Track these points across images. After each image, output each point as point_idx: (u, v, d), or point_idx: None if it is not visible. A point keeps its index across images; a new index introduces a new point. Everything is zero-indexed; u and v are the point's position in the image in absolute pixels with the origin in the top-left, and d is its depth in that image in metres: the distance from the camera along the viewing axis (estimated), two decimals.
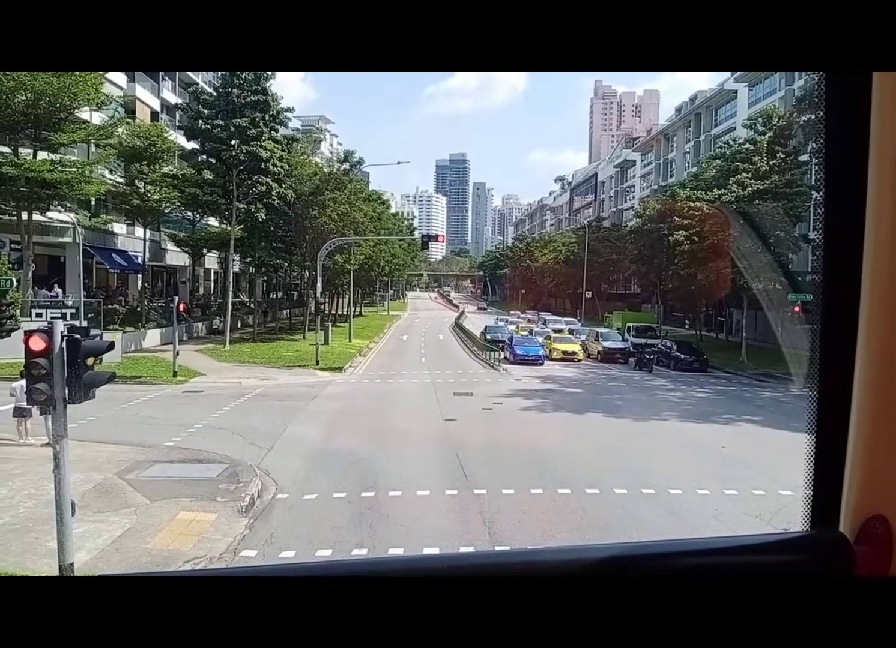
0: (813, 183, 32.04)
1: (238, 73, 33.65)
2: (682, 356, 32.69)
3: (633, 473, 12.51)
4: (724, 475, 12.52)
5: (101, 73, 26.89)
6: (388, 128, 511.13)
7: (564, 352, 35.07)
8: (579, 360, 34.69)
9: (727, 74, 59.39)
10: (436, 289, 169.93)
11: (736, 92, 54.40)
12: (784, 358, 24.03)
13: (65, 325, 9.94)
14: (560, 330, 43.40)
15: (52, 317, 20.32)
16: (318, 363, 28.59)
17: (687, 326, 49.77)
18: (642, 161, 77.12)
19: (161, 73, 42.17)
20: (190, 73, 46.81)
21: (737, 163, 34.99)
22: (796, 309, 26.89)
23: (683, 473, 12.57)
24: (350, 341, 40.30)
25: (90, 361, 9.76)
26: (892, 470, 1.33)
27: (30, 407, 11.53)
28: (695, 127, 62.11)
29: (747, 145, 36.37)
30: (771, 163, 33.71)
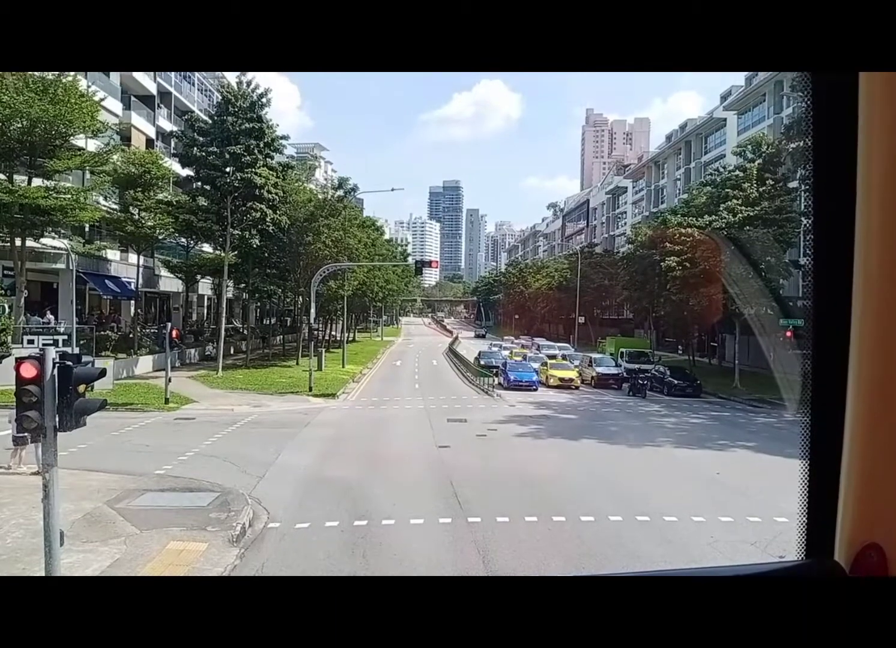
0: (802, 209, 32.41)
1: (233, 100, 34.04)
2: (676, 381, 32.74)
3: (628, 500, 12.44)
4: (720, 501, 12.46)
5: (96, 101, 27.14)
6: (382, 155, 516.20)
7: (561, 379, 34.64)
8: (576, 387, 34.39)
9: (717, 102, 60.40)
10: (430, 315, 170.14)
11: (725, 120, 55.22)
12: (777, 383, 24.09)
13: (56, 352, 9.90)
14: (554, 356, 43.39)
15: (43, 344, 20.24)
16: (311, 389, 28.47)
17: (680, 351, 49.89)
18: (634, 187, 77.90)
19: (157, 102, 42.55)
20: (186, 101, 47.27)
21: (727, 190, 35.42)
22: (788, 334, 27.04)
23: (679, 500, 12.50)
24: (343, 367, 40.19)
25: (81, 388, 9.71)
26: (886, 498, 1.33)
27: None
28: (685, 154, 62.88)
29: (737, 172, 36.87)
30: (760, 189, 34.14)
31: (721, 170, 40.37)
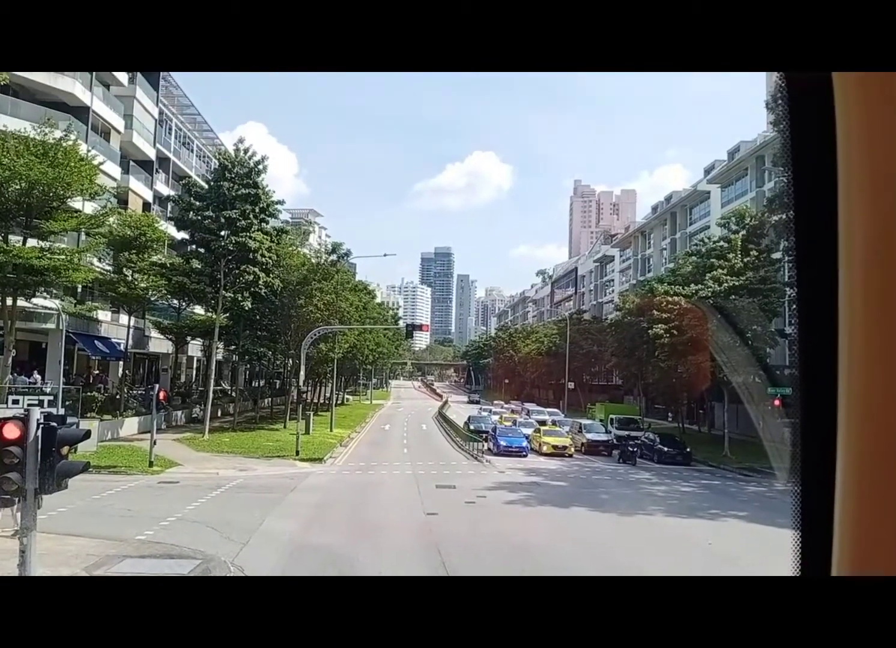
0: (787, 279, 33.02)
1: (230, 166, 34.75)
2: (666, 449, 32.55)
3: (619, 570, 12.19)
4: (711, 571, 12.25)
5: (95, 165, 27.62)
6: (376, 222, 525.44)
7: (555, 447, 33.71)
8: (570, 455, 33.55)
9: (701, 175, 62.19)
10: (419, 378, 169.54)
11: (709, 193, 56.75)
12: (766, 452, 24.00)
13: (41, 413, 9.81)
14: (544, 422, 43.13)
15: (28, 404, 19.97)
16: (298, 453, 28.09)
17: (669, 418, 49.74)
18: (621, 256, 79.22)
19: (156, 167, 43.39)
20: (184, 167, 48.24)
21: (712, 260, 36.10)
22: (776, 402, 27.09)
23: (670, 570, 12.27)
24: (332, 430, 39.75)
25: (65, 450, 9.58)
26: (877, 567, 1.31)
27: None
28: (671, 225, 64.30)
29: (721, 243, 37.65)
30: (745, 260, 34.83)
31: (706, 240, 41.21)
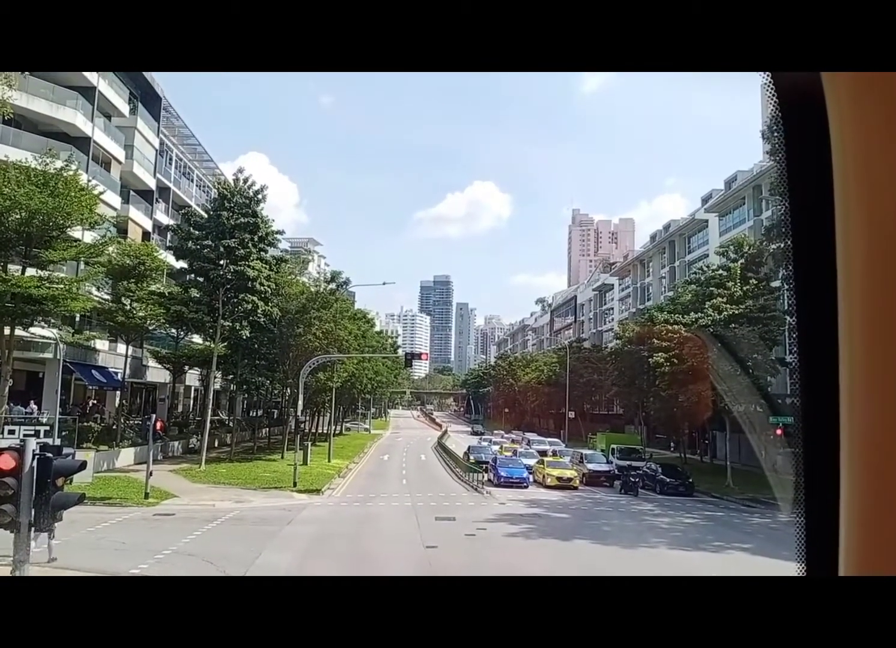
0: (786, 308, 33.04)
1: (229, 196, 34.94)
2: (668, 479, 32.23)
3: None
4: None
5: (95, 194, 27.76)
6: (376, 250, 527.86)
7: (560, 479, 32.50)
8: (575, 487, 32.45)
9: (697, 205, 62.68)
10: (419, 407, 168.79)
11: (707, 221, 57.12)
12: (769, 482, 23.76)
13: (37, 443, 9.67)
14: (545, 452, 42.79)
15: (24, 434, 19.77)
16: (295, 484, 27.77)
17: (671, 448, 49.42)
18: (620, 285, 79.49)
19: (156, 196, 43.68)
20: (184, 196, 48.56)
21: (711, 288, 36.15)
22: (778, 432, 26.91)
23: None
24: (329, 461, 39.41)
25: (60, 482, 9.42)
26: (885, 567, 1.29)
27: None
28: (669, 253, 64.61)
29: (720, 271, 37.76)
30: (744, 288, 34.90)
31: (705, 269, 41.35)
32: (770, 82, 1.37)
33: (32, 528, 8.78)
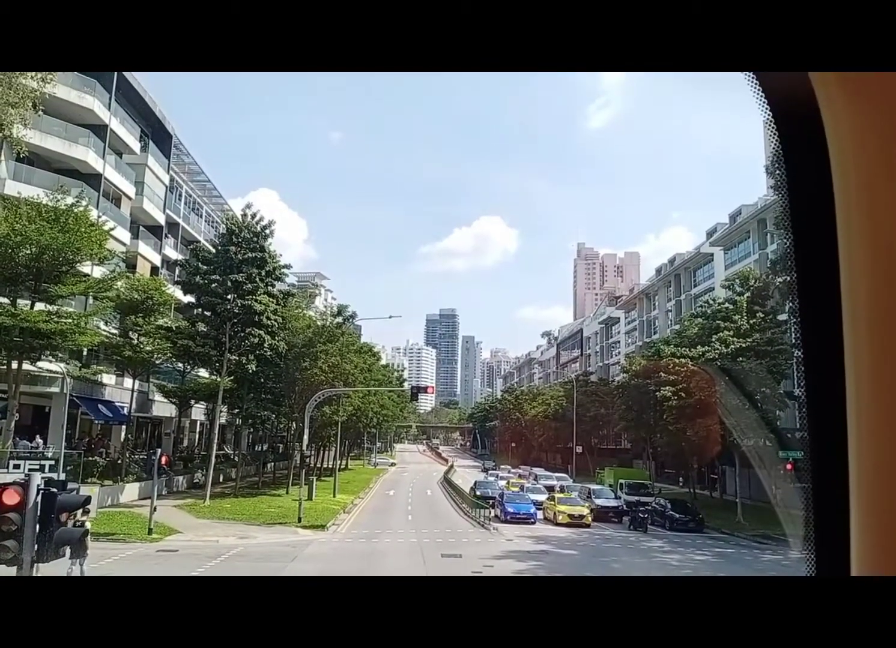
0: (793, 341, 32.89)
1: (237, 231, 35.29)
2: (677, 515, 31.76)
3: None
4: None
5: (105, 230, 28.09)
6: (382, 284, 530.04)
7: (571, 516, 31.22)
8: (588, 525, 31.23)
9: (703, 238, 62.90)
10: (424, 441, 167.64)
11: (712, 255, 57.22)
12: (780, 518, 23.39)
13: (42, 478, 9.64)
14: (552, 487, 42.29)
15: (29, 469, 19.71)
16: (300, 520, 27.52)
17: (680, 483, 48.81)
18: (626, 318, 79.41)
19: (165, 232, 44.14)
20: (192, 232, 49.06)
21: (718, 322, 36.08)
22: (788, 466, 26.58)
23: None
24: (335, 496, 39.06)
25: (64, 517, 9.36)
26: None
27: None
28: (675, 287, 64.66)
29: (727, 305, 37.72)
30: (751, 322, 34.81)
31: (711, 302, 41.33)
32: (758, 87, 1.37)
33: (35, 563, 8.70)
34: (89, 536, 14.56)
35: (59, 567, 15.03)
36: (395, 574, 18.53)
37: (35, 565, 8.71)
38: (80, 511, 19.55)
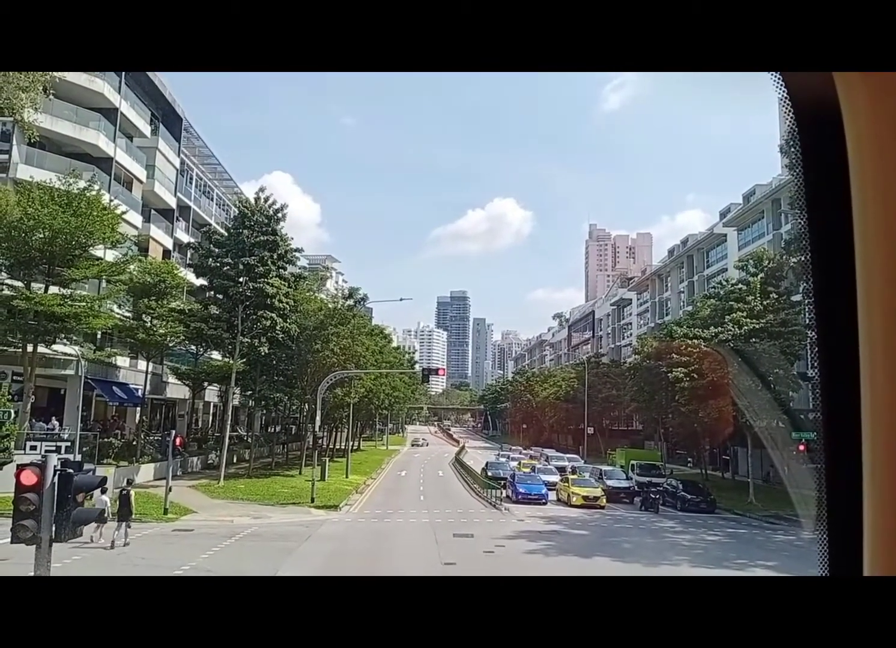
0: (807, 322, 32.62)
1: (249, 214, 35.30)
2: (689, 496, 31.82)
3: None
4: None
5: (117, 214, 28.18)
6: (394, 267, 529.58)
7: (585, 498, 30.96)
8: (602, 506, 31.02)
9: (716, 219, 62.33)
10: (436, 423, 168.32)
11: (725, 235, 56.73)
12: (792, 499, 23.37)
13: (58, 459, 9.75)
14: (563, 468, 42.42)
15: (46, 451, 20.01)
16: (313, 500, 27.79)
17: (691, 464, 48.82)
18: (638, 300, 79.05)
19: (176, 215, 44.23)
20: (204, 215, 49.13)
21: (731, 303, 35.80)
22: (801, 447, 26.49)
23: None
24: (347, 477, 39.40)
25: (81, 497, 9.48)
26: None
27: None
28: (688, 268, 64.21)
29: (740, 285, 37.42)
30: (765, 303, 34.52)
31: (724, 283, 41.00)
32: (782, 85, 1.36)
33: (52, 543, 8.83)
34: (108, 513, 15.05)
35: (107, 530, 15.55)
36: (407, 556, 18.72)
37: (52, 544, 8.83)
38: (125, 481, 20.39)
